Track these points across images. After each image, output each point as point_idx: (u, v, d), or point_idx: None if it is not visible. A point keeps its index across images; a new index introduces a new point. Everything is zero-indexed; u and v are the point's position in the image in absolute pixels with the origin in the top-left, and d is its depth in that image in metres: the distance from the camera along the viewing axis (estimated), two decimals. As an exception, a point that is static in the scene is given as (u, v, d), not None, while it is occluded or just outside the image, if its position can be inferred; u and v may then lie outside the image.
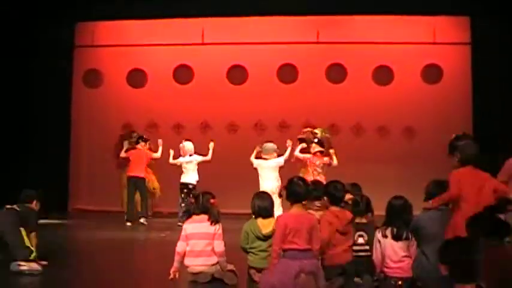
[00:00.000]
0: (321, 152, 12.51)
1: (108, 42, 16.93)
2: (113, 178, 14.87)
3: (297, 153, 12.59)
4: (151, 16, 15.95)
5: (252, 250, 7.44)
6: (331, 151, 12.62)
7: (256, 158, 12.68)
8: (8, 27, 14.98)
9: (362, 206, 7.44)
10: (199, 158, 13.54)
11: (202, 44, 16.34)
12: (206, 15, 15.78)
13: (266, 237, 7.34)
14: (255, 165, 12.57)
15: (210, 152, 13.56)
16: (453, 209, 6.37)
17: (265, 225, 7.42)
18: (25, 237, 8.02)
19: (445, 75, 16.01)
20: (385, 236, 6.77)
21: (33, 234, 8.28)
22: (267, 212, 7.52)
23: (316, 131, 13.08)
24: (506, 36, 14.52)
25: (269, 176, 12.34)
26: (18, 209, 8.29)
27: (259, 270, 7.19)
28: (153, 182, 14.72)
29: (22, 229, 8.04)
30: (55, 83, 15.96)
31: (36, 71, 15.77)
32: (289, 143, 12.58)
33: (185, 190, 13.33)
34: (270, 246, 7.02)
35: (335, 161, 12.44)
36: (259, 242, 7.41)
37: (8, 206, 8.34)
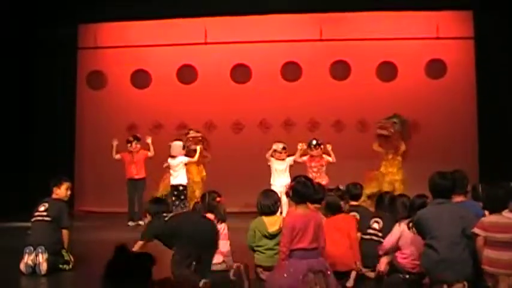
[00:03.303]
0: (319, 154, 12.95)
1: (111, 43, 16.94)
2: (118, 179, 14.84)
3: (296, 158, 12.90)
4: (154, 17, 15.96)
5: (259, 249, 7.45)
6: (329, 147, 13.00)
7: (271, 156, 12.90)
8: (11, 30, 15.04)
9: (385, 203, 7.73)
10: (185, 159, 13.34)
11: (205, 43, 16.33)
12: (208, 15, 15.78)
13: (272, 236, 7.36)
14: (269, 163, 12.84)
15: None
16: None
17: (271, 223, 7.46)
18: (64, 253, 8.27)
19: (448, 70, 15.98)
20: (411, 229, 6.85)
21: (65, 231, 8.37)
22: (269, 210, 7.54)
23: (395, 120, 13.31)
24: (510, 30, 14.51)
25: (278, 175, 12.70)
26: (48, 215, 8.33)
27: (266, 269, 7.22)
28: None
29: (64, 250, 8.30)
30: (59, 85, 15.98)
31: (39, 74, 15.80)
32: (300, 146, 12.88)
33: (175, 192, 13.23)
34: (276, 244, 7.07)
35: (332, 158, 12.88)
36: (265, 241, 7.43)
37: (38, 214, 8.39)
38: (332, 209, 7.50)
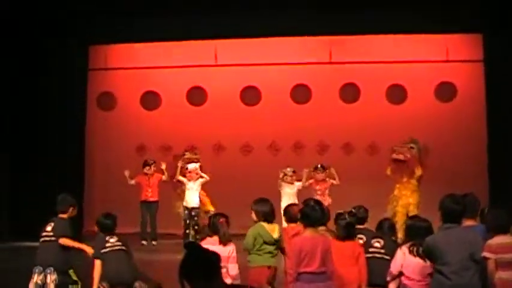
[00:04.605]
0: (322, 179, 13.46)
1: (121, 65, 17.03)
2: (128, 200, 14.86)
3: (303, 184, 13.39)
4: (164, 38, 16.01)
5: (258, 252, 7.61)
6: (333, 170, 13.48)
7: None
8: (22, 51, 15.13)
9: (384, 229, 7.76)
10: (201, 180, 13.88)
11: (216, 65, 16.39)
12: (218, 37, 15.82)
13: (275, 242, 7.60)
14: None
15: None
16: None
17: (272, 230, 7.67)
18: (72, 273, 8.34)
19: (458, 93, 15.98)
20: (412, 253, 6.78)
21: (62, 240, 8.39)
22: (270, 216, 7.75)
23: (412, 145, 13.29)
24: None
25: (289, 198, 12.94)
26: (53, 236, 8.37)
27: (260, 268, 7.46)
28: (207, 205, 14.62)
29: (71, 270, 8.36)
30: (69, 105, 16.02)
31: (49, 95, 15.84)
32: (305, 171, 13.36)
33: (190, 213, 13.74)
34: (276, 249, 7.58)
35: (336, 181, 13.42)
36: (265, 246, 7.61)
37: (45, 235, 8.43)
38: (347, 233, 7.46)
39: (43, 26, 15.24)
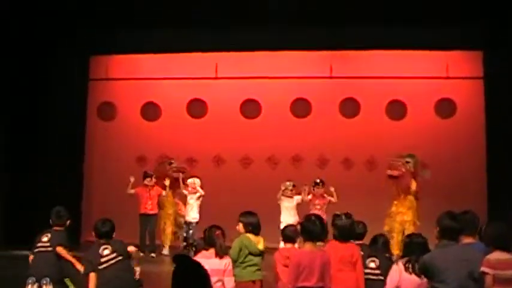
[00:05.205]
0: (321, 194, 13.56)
1: (122, 75, 17.06)
2: (126, 211, 14.84)
3: (303, 197, 13.48)
4: (165, 50, 16.07)
5: (242, 265, 7.64)
6: (331, 188, 13.53)
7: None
8: (23, 61, 15.14)
9: (379, 244, 7.67)
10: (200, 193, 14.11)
11: (216, 78, 16.42)
12: (220, 50, 15.87)
13: (261, 253, 7.65)
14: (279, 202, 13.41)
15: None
16: None
17: (257, 242, 7.73)
18: (68, 282, 8.38)
19: (458, 110, 16.02)
20: (407, 270, 6.78)
21: (59, 249, 8.41)
22: (257, 229, 7.81)
23: (408, 159, 13.37)
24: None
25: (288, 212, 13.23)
26: (49, 246, 8.38)
27: (247, 283, 7.47)
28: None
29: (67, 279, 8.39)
30: (69, 115, 16.04)
31: (50, 104, 15.86)
32: (304, 188, 13.45)
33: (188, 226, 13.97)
34: (261, 260, 7.63)
35: (334, 199, 13.49)
36: (250, 257, 7.65)
37: (40, 245, 8.43)
38: (345, 234, 7.41)
39: (45, 36, 15.28)
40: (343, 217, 7.46)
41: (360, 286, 7.10)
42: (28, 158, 15.36)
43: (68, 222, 8.78)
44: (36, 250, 8.40)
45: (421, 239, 7.12)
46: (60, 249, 8.37)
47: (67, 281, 8.34)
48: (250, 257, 7.63)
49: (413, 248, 6.94)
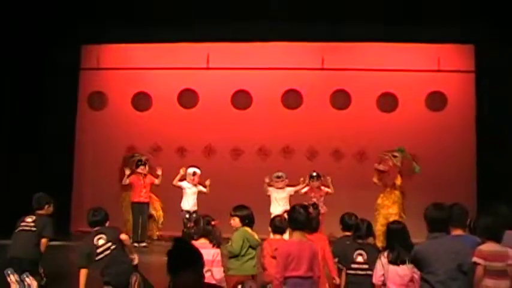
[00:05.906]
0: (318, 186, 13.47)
1: (114, 65, 17.00)
2: (117, 200, 14.84)
3: (297, 189, 13.41)
4: (157, 40, 16.01)
5: (244, 258, 7.67)
6: (328, 179, 13.48)
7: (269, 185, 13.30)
8: (14, 50, 15.06)
9: (363, 230, 7.57)
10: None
11: (207, 68, 16.38)
12: (211, 40, 15.83)
13: (258, 245, 7.73)
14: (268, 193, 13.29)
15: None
16: None
17: (255, 234, 7.81)
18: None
19: (449, 103, 16.06)
20: (391, 262, 6.81)
21: (44, 240, 8.44)
22: (252, 222, 7.88)
23: (396, 154, 13.44)
24: (510, 65, 14.55)
25: (277, 203, 13.10)
26: (34, 227, 8.37)
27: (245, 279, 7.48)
28: (156, 209, 14.73)
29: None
30: (60, 104, 16.00)
31: (40, 93, 15.81)
32: (301, 181, 13.38)
33: (188, 216, 13.63)
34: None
35: (331, 190, 13.41)
36: (250, 250, 7.70)
37: (24, 225, 8.42)
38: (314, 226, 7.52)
39: (36, 25, 15.21)
40: (311, 208, 7.52)
41: (331, 269, 7.53)
42: (18, 147, 15.29)
43: (47, 206, 8.79)
44: (19, 229, 8.45)
45: (398, 225, 7.21)
46: (45, 241, 8.52)
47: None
48: (250, 250, 7.65)
49: (392, 235, 6.99)
